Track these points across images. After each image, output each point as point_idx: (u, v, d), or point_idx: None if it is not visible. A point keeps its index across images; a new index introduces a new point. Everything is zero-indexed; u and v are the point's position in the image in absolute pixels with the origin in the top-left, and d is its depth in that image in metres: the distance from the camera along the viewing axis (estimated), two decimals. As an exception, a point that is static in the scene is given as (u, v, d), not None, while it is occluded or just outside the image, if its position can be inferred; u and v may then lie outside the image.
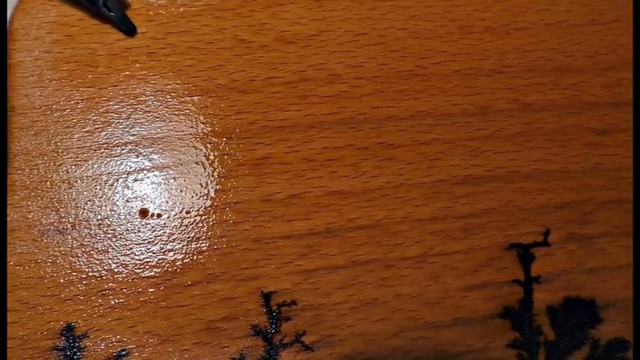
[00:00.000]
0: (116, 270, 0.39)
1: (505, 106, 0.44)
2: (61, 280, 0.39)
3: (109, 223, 0.40)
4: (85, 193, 0.39)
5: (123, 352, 0.39)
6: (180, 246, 0.40)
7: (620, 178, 0.45)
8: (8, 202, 0.38)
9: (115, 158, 0.40)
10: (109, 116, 0.40)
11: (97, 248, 0.39)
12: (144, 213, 0.40)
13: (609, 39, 0.45)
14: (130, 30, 0.40)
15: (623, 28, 0.45)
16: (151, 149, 0.40)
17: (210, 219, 0.40)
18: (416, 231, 0.42)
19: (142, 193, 0.40)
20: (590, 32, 0.45)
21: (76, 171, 0.39)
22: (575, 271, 0.44)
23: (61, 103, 0.39)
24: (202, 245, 0.40)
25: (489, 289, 0.43)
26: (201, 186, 0.41)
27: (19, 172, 0.39)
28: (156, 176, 0.40)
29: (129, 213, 0.40)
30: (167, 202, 0.40)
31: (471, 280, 0.43)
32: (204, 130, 0.41)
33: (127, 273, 0.39)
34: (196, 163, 0.41)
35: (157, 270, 0.40)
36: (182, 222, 0.40)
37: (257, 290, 0.41)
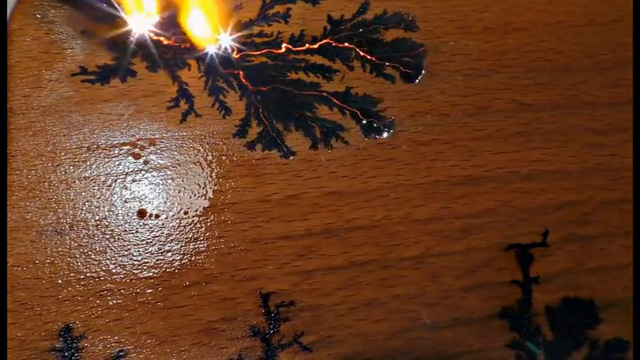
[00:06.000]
0: (114, 271, 0.39)
1: (504, 106, 0.43)
2: (59, 281, 0.39)
3: (107, 223, 0.40)
4: (83, 193, 0.39)
5: (121, 353, 0.39)
6: (179, 247, 0.40)
7: (620, 178, 0.45)
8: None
9: (113, 159, 0.40)
10: (107, 117, 0.40)
11: (95, 249, 0.39)
12: (142, 214, 0.40)
13: (609, 39, 0.45)
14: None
15: (623, 28, 0.45)
16: (149, 150, 0.40)
17: (209, 219, 0.40)
18: (414, 231, 0.42)
19: (140, 193, 0.40)
20: (589, 32, 0.45)
21: (74, 171, 0.39)
22: (574, 272, 0.44)
23: (59, 103, 0.39)
24: (200, 246, 0.40)
25: (488, 290, 0.43)
26: (200, 186, 0.40)
27: (18, 172, 0.39)
28: (154, 177, 0.40)
29: (127, 214, 0.40)
30: (165, 202, 0.40)
31: (469, 280, 0.43)
32: (203, 131, 0.41)
33: (125, 274, 0.39)
34: (194, 163, 0.41)
35: (155, 271, 0.40)
36: (180, 222, 0.40)
37: (255, 291, 0.41)
